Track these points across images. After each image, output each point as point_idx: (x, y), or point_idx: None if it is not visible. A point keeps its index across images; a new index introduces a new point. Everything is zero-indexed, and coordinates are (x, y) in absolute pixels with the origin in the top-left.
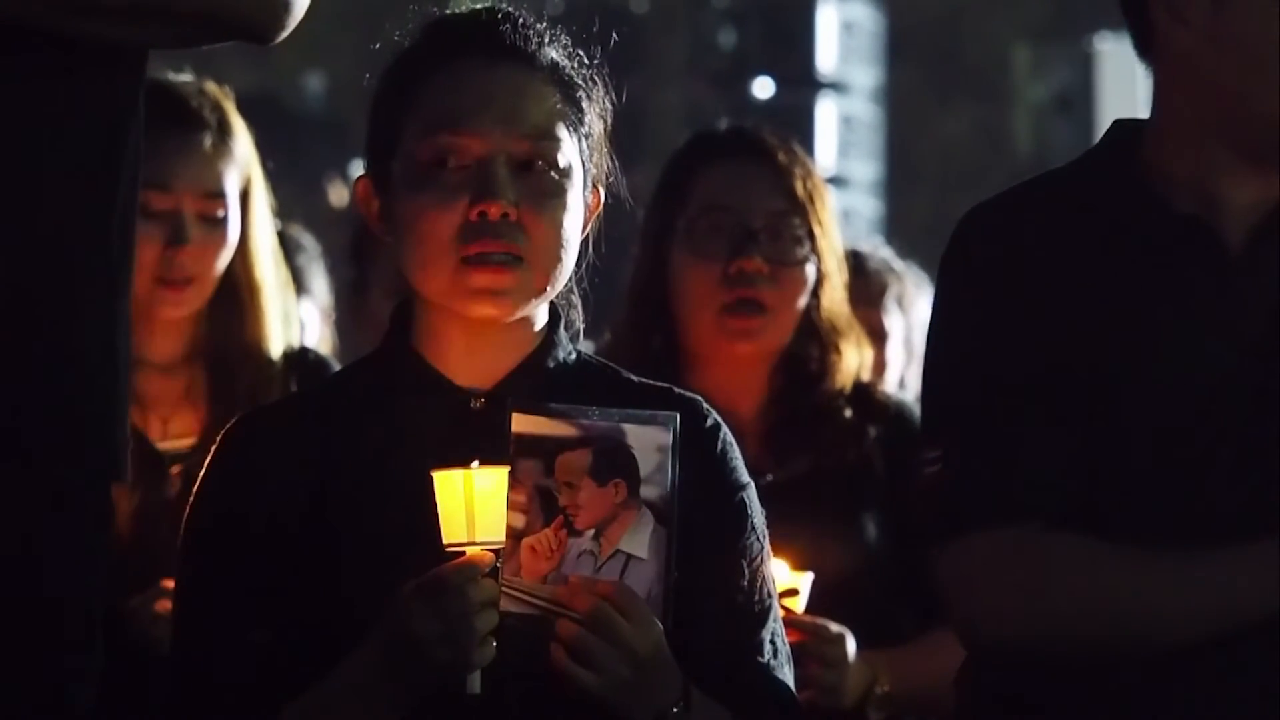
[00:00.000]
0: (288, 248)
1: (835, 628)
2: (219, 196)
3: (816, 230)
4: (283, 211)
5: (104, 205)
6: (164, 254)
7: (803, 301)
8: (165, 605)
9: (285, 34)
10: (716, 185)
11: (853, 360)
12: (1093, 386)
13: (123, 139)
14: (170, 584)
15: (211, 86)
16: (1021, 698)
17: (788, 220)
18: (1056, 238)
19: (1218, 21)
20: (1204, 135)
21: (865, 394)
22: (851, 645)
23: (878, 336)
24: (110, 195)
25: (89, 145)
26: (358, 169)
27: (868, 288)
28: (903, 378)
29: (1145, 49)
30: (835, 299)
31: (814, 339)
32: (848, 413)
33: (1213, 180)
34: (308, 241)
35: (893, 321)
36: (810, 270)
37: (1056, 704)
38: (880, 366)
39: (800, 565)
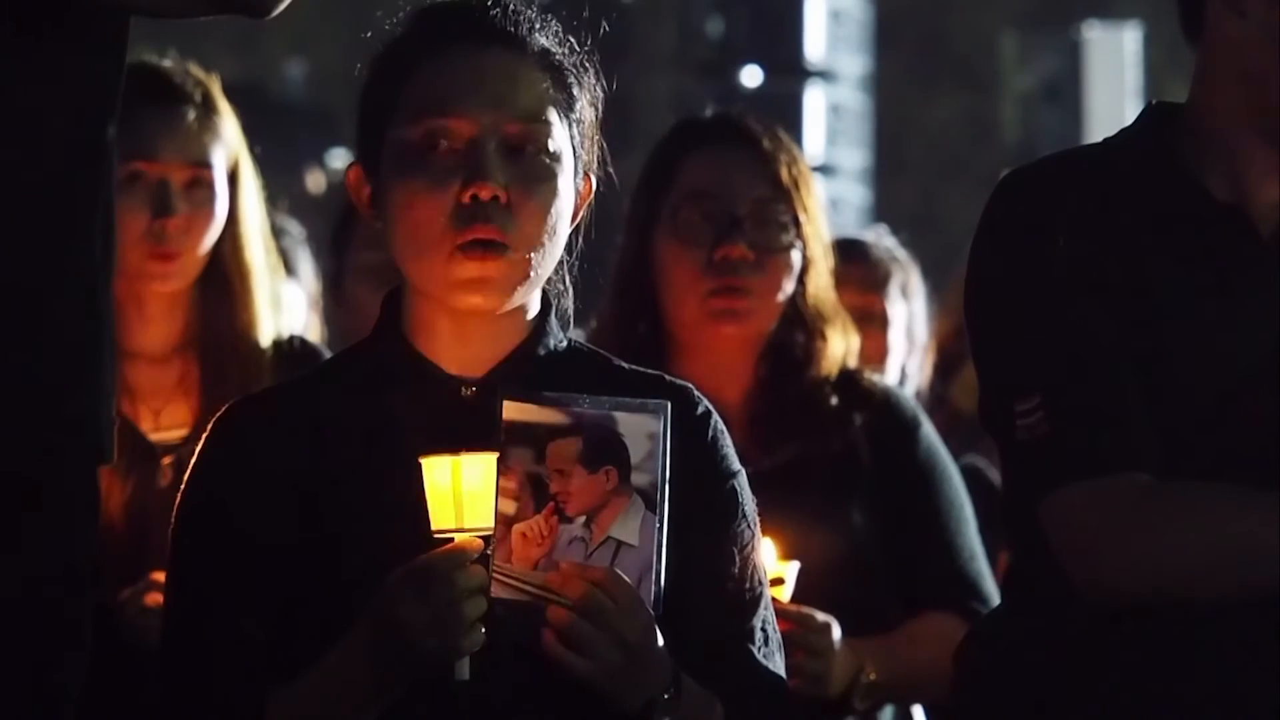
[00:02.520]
0: (272, 233)
1: (821, 616)
2: (205, 167)
3: (801, 216)
4: (271, 196)
5: (88, 187)
6: (151, 226)
7: (788, 288)
8: (155, 598)
9: (281, 7)
10: (700, 172)
11: (838, 347)
12: (1141, 353)
13: (106, 119)
14: (161, 577)
15: (196, 68)
16: (1030, 675)
17: (772, 207)
18: (1102, 207)
19: (1272, 15)
20: (1241, 125)
21: (851, 381)
22: (837, 633)
23: (880, 324)
24: (94, 177)
25: (72, 127)
26: (336, 157)
27: (871, 275)
28: (904, 366)
29: (1193, 33)
30: (821, 285)
31: (799, 326)
32: (833, 400)
33: (1246, 170)
34: (293, 228)
35: (895, 309)
36: (795, 257)
37: (1066, 681)
38: (882, 354)
39: (786, 554)
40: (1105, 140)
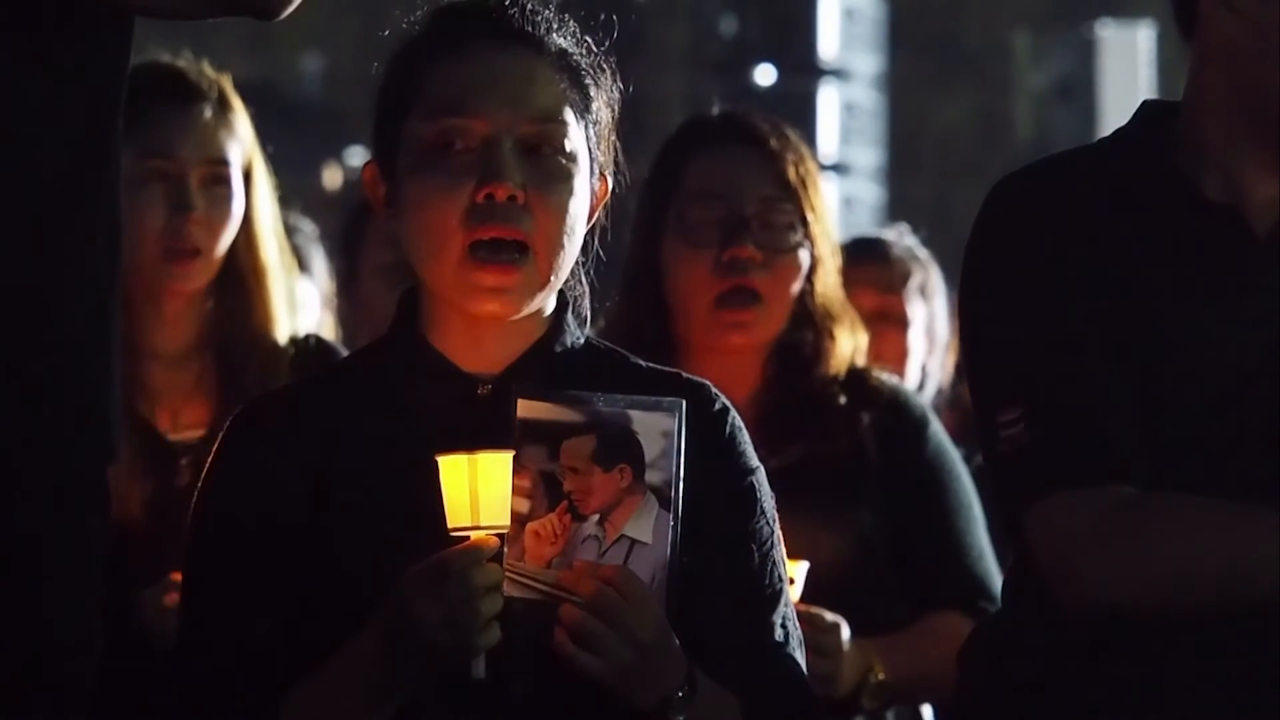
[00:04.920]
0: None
1: (830, 616)
2: (223, 164)
3: (809, 216)
4: (284, 195)
5: (90, 187)
6: (170, 223)
7: (796, 288)
8: (174, 598)
9: (289, 9)
10: (708, 172)
11: (846, 346)
12: (1135, 355)
13: (108, 119)
14: (179, 576)
15: (208, 68)
16: (1028, 676)
17: (779, 206)
18: (1094, 210)
19: (1265, 12)
20: (1235, 123)
21: (860, 380)
22: (846, 634)
23: (900, 324)
24: (96, 178)
25: (72, 126)
26: (353, 155)
27: (890, 275)
28: (924, 366)
29: (1188, 31)
30: (829, 284)
31: (808, 325)
32: (842, 399)
33: (1240, 169)
34: (305, 226)
35: (915, 309)
36: (804, 256)
37: (1063, 683)
38: (902, 354)
39: (794, 554)
40: (1100, 141)
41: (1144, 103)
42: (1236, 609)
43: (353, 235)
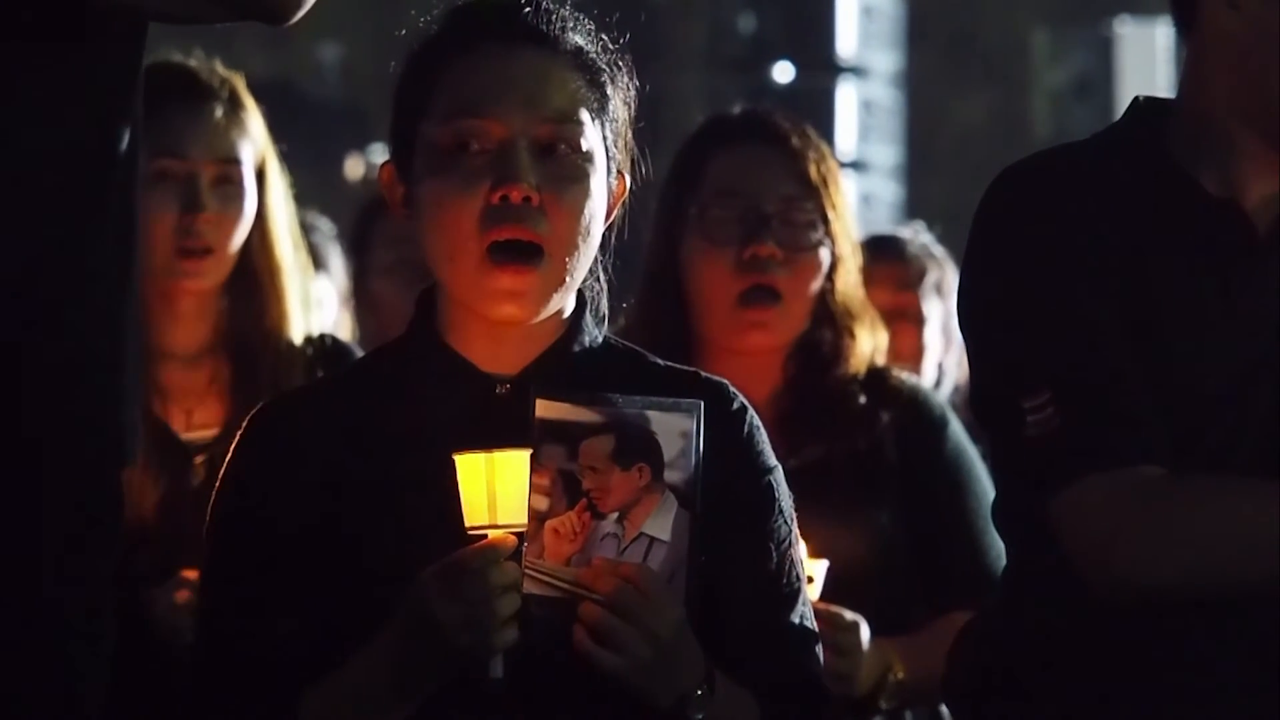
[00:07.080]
0: (302, 230)
1: (849, 615)
2: (234, 163)
3: (830, 214)
4: (302, 194)
5: (100, 191)
6: (181, 222)
7: (816, 286)
8: (185, 596)
9: (300, 14)
10: (729, 170)
11: (866, 345)
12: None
13: (119, 121)
14: (191, 574)
15: (221, 66)
16: (1016, 673)
17: (801, 205)
18: (1096, 201)
19: (1267, 7)
20: (1234, 119)
21: (879, 379)
22: (865, 633)
23: (916, 321)
24: (105, 181)
25: (83, 127)
26: (376, 150)
27: (907, 273)
28: (941, 363)
29: (1186, 27)
30: (849, 283)
31: (828, 323)
32: (861, 398)
33: (1238, 165)
34: (322, 224)
35: (931, 307)
36: (824, 254)
37: (1051, 681)
38: (918, 351)
39: (814, 552)
40: (1094, 137)
41: (1135, 99)
42: (1271, 588)
43: (361, 236)
